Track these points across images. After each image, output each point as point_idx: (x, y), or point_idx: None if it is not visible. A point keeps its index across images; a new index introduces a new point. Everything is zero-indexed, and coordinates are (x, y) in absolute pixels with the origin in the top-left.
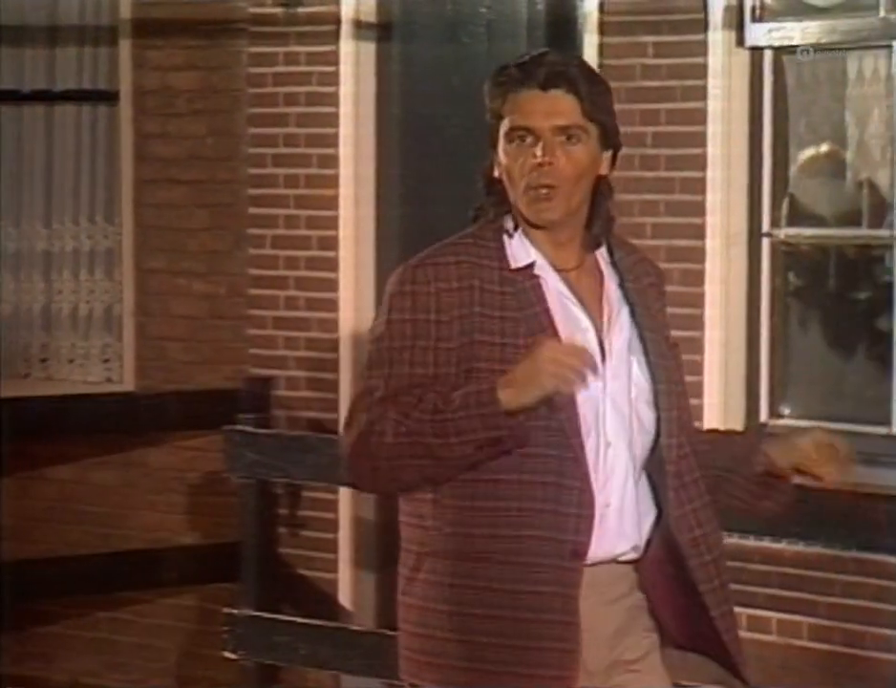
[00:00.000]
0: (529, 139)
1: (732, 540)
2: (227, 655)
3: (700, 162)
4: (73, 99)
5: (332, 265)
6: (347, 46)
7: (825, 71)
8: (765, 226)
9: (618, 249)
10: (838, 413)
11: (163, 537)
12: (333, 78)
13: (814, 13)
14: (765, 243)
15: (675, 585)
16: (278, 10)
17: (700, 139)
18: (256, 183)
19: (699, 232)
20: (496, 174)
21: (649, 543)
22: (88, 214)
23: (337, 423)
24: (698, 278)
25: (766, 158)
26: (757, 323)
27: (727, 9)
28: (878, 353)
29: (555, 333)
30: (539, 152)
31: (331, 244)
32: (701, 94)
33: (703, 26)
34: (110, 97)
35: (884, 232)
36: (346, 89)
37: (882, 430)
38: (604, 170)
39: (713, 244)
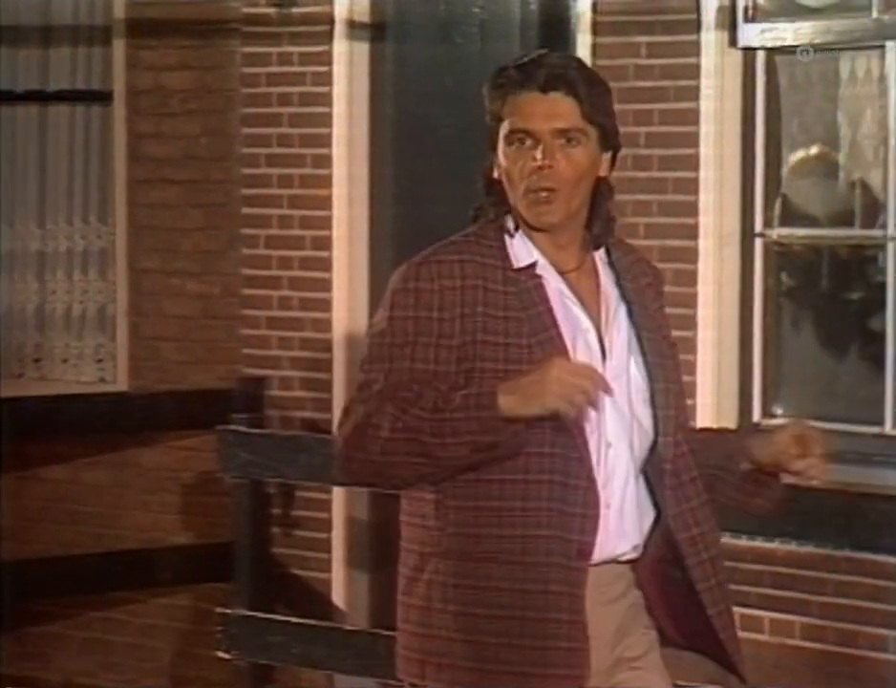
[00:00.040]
0: (529, 142)
1: (724, 539)
2: (221, 654)
3: (693, 163)
4: (66, 99)
5: (326, 265)
6: (340, 46)
7: (818, 71)
8: (758, 227)
9: (615, 249)
10: (831, 413)
11: (157, 537)
12: (327, 78)
13: (806, 14)
14: (758, 243)
15: (672, 583)
16: (271, 10)
17: (693, 140)
18: (250, 183)
19: (692, 232)
20: (495, 175)
21: (647, 542)
22: (82, 214)
23: (331, 423)
24: (691, 278)
25: (759, 158)
26: (749, 323)
27: (720, 9)
28: (871, 353)
29: (558, 333)
30: (539, 155)
31: (325, 244)
32: (694, 94)
33: (696, 26)
34: (104, 97)
35: (876, 232)
36: (339, 89)
37: (875, 430)
38: (603, 171)
39: (705, 244)
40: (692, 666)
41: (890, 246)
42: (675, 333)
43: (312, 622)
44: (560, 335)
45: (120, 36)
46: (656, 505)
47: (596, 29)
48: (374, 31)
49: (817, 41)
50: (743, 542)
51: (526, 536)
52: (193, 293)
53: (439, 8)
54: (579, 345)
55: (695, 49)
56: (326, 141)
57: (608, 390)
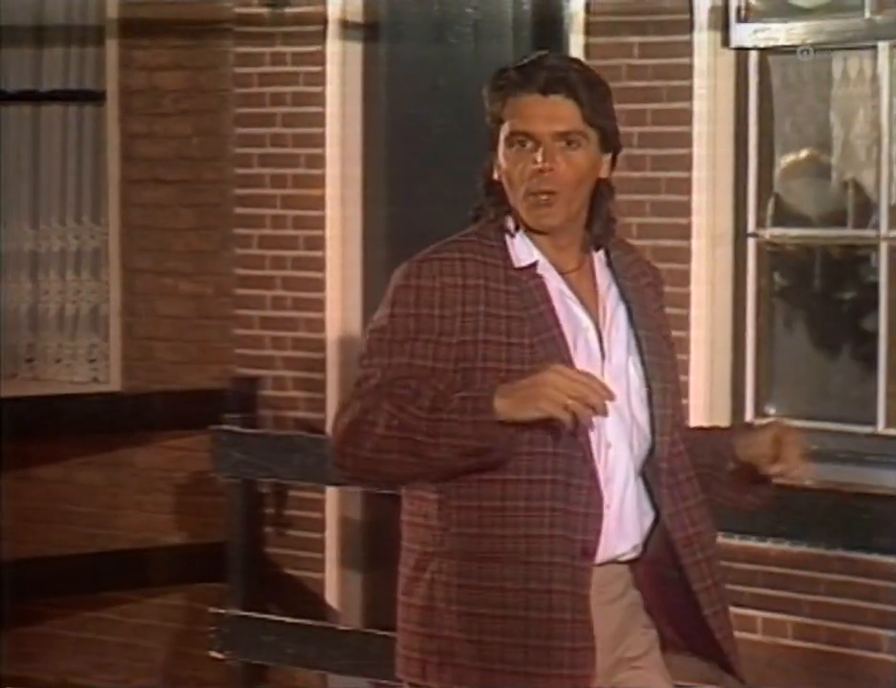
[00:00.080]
0: (529, 145)
1: (717, 539)
2: (215, 654)
3: (686, 163)
4: (59, 99)
5: (319, 265)
6: (333, 46)
7: (810, 71)
8: (751, 227)
9: (615, 249)
10: (824, 412)
11: (150, 537)
12: (320, 78)
13: (799, 14)
14: (751, 243)
15: (669, 584)
16: (264, 10)
17: (686, 140)
18: (243, 183)
19: (685, 232)
20: (495, 176)
21: (646, 542)
22: (74, 214)
23: (325, 423)
24: (684, 278)
25: (751, 158)
26: (742, 323)
27: (712, 9)
28: (863, 352)
29: (560, 333)
30: (539, 158)
31: (318, 244)
32: (687, 94)
33: (689, 26)
34: (96, 97)
35: (869, 232)
36: (332, 89)
37: (867, 429)
38: (604, 173)
39: (698, 244)
40: (681, 663)
41: (883, 245)
42: None
43: (306, 622)
44: (562, 335)
45: (113, 36)
46: (655, 505)
47: (589, 29)
48: (368, 31)
49: (809, 41)
50: (736, 541)
51: (530, 536)
52: (186, 293)
53: (433, 8)
54: (580, 345)
55: (688, 49)
56: (319, 141)
57: (609, 396)
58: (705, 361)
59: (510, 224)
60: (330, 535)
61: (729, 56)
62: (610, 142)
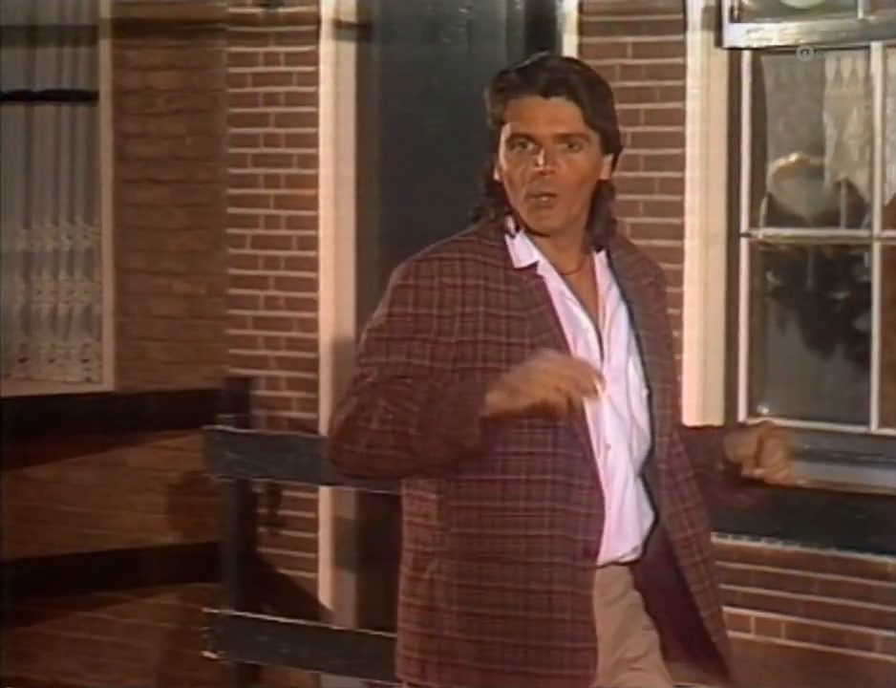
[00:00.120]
0: (531, 147)
1: (711, 539)
2: (208, 654)
3: (679, 163)
4: (52, 99)
5: (313, 265)
6: (327, 46)
7: (803, 71)
8: (744, 227)
9: (617, 249)
10: (817, 412)
11: (143, 537)
12: (313, 78)
13: (792, 14)
14: (744, 243)
15: (667, 585)
16: (258, 10)
17: (679, 140)
18: (236, 183)
19: (678, 232)
20: (496, 177)
21: (646, 544)
22: (68, 214)
23: (318, 423)
24: (677, 278)
25: (744, 158)
26: (735, 323)
27: (705, 9)
28: (856, 352)
29: (560, 333)
30: (540, 160)
31: (312, 244)
32: (680, 94)
33: (682, 26)
34: (89, 97)
35: (862, 232)
36: (326, 89)
37: (860, 429)
38: (605, 174)
39: (691, 244)
40: (678, 669)
41: (876, 246)
42: None
43: (299, 622)
44: (562, 335)
45: (106, 36)
46: (654, 506)
47: (582, 29)
48: (361, 31)
49: (802, 42)
50: (729, 541)
51: (529, 536)
52: (179, 293)
53: (426, 8)
54: (579, 345)
55: (681, 49)
56: (312, 141)
57: (599, 378)
58: (698, 361)
59: (510, 224)
60: (324, 535)
61: (722, 56)
62: (611, 144)
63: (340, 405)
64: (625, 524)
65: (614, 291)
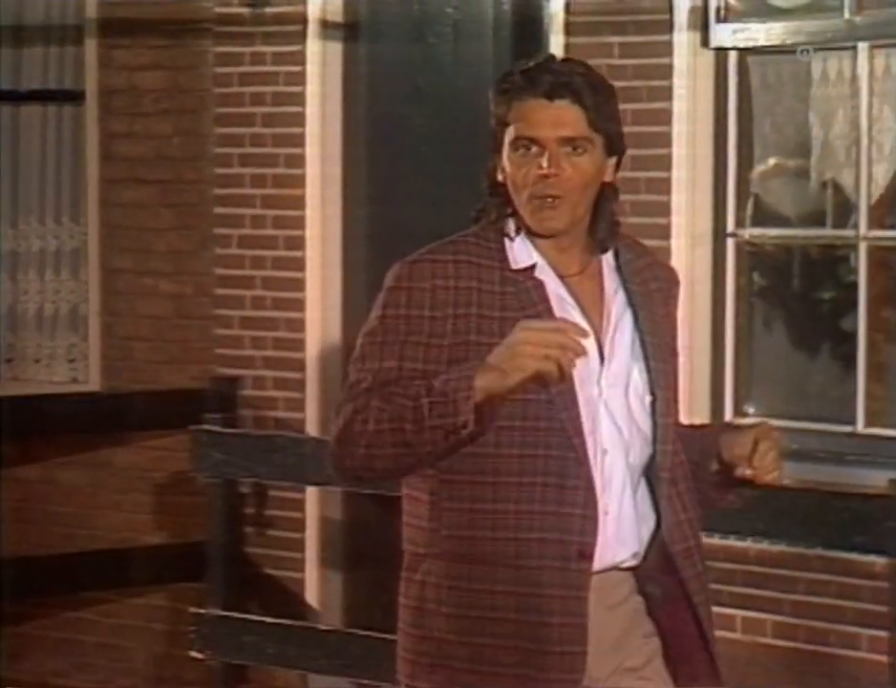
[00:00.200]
0: (534, 149)
1: None
2: (195, 654)
3: (665, 163)
4: (38, 99)
5: (299, 264)
6: (313, 46)
7: (790, 72)
8: (730, 227)
9: (627, 252)
10: (803, 412)
11: (130, 537)
12: (300, 78)
13: (778, 14)
14: (730, 243)
15: (668, 593)
16: (244, 9)
17: (665, 140)
18: (223, 183)
19: (665, 232)
20: (499, 178)
21: (648, 550)
22: (54, 214)
23: (304, 423)
24: None
25: (731, 158)
26: (721, 323)
27: (692, 10)
28: (843, 352)
29: None
30: (544, 163)
31: (298, 243)
32: (667, 94)
33: (668, 27)
34: (76, 97)
35: (848, 232)
36: (312, 89)
37: (847, 429)
38: (608, 177)
39: (678, 244)
40: None
41: (862, 245)
42: None
43: (286, 622)
44: None
45: (93, 36)
46: (655, 513)
47: (569, 29)
48: (348, 30)
49: (789, 42)
50: (715, 540)
51: (519, 539)
52: (166, 293)
53: (413, 8)
54: None
55: (668, 49)
56: (299, 141)
57: (584, 334)
58: (684, 361)
59: (511, 226)
60: (311, 535)
61: (708, 57)
62: (615, 146)
63: (337, 412)
64: (624, 529)
65: (621, 296)
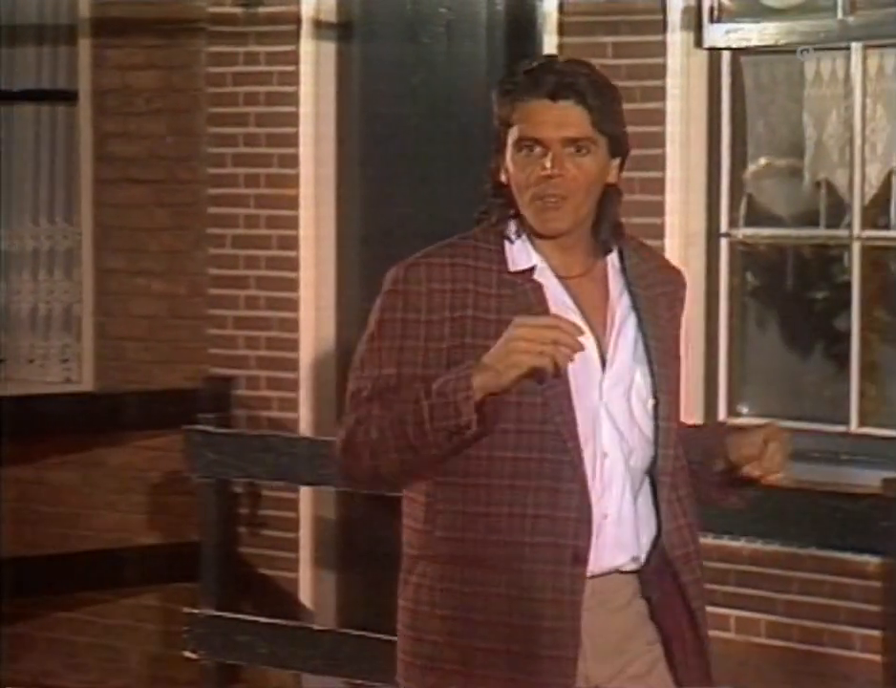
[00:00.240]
0: (538, 150)
1: None
2: (188, 654)
3: (659, 163)
4: (32, 99)
5: (293, 264)
6: (307, 46)
7: (783, 72)
8: (723, 227)
9: (633, 254)
10: (796, 412)
11: (124, 537)
12: (293, 78)
13: (771, 15)
14: (723, 243)
15: (668, 598)
16: (238, 9)
17: (659, 140)
18: (216, 183)
19: (658, 232)
20: (502, 179)
21: (650, 554)
22: (47, 214)
23: (298, 423)
24: None
25: (724, 158)
26: (715, 323)
27: (685, 10)
28: (836, 352)
29: None
30: (548, 164)
31: (292, 243)
32: (660, 94)
33: (662, 27)
34: (69, 97)
35: (841, 232)
36: (306, 89)
37: (840, 429)
38: (612, 178)
39: (671, 244)
40: None
41: (855, 245)
42: None
43: (280, 622)
44: None
45: (86, 36)
46: (656, 518)
47: (562, 29)
48: (341, 30)
49: (782, 42)
50: (709, 540)
51: (512, 542)
52: (159, 293)
53: (406, 8)
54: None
55: (661, 49)
56: (292, 141)
57: (579, 331)
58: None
59: (511, 228)
60: (304, 535)
61: (702, 57)
62: (619, 147)
63: (341, 423)
64: (623, 533)
65: (625, 299)
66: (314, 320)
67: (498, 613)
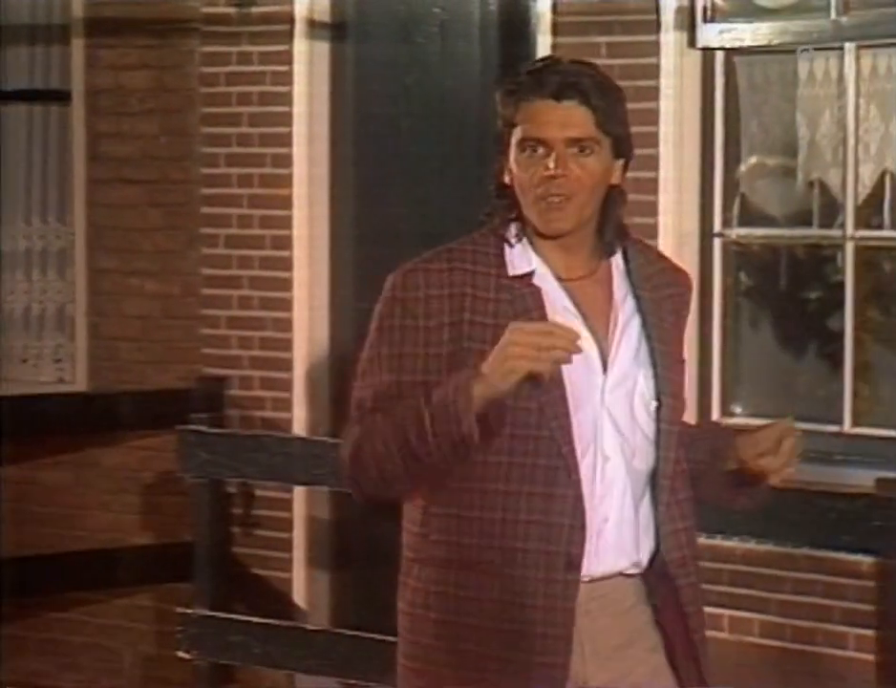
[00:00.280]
0: (541, 150)
1: None
2: (181, 654)
3: (652, 163)
4: (24, 99)
5: (286, 264)
6: (300, 45)
7: (776, 72)
8: (717, 227)
9: (640, 256)
10: (790, 412)
11: (117, 537)
12: (287, 78)
13: (765, 15)
14: (717, 243)
15: (665, 601)
16: (231, 9)
17: (653, 140)
18: (209, 183)
19: (652, 232)
20: (506, 180)
21: (652, 558)
22: (40, 214)
23: (291, 423)
24: None
25: (718, 158)
26: (708, 323)
27: (679, 10)
28: (829, 352)
29: None
30: (551, 164)
31: (285, 243)
32: (653, 94)
33: (655, 27)
34: (62, 97)
35: (835, 232)
36: (299, 88)
37: (833, 428)
38: (616, 179)
39: (665, 244)
40: None
41: (849, 245)
42: None
43: (273, 622)
44: None
45: (79, 35)
46: (655, 521)
47: (556, 29)
48: (335, 30)
49: (775, 42)
50: (702, 540)
51: (504, 548)
52: (152, 293)
53: (399, 7)
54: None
55: (655, 49)
56: (286, 141)
57: (575, 335)
58: None
59: (511, 232)
60: (298, 535)
61: (695, 57)
62: (623, 148)
63: (345, 436)
64: (624, 536)
65: (629, 302)
66: (308, 320)
67: (490, 618)
